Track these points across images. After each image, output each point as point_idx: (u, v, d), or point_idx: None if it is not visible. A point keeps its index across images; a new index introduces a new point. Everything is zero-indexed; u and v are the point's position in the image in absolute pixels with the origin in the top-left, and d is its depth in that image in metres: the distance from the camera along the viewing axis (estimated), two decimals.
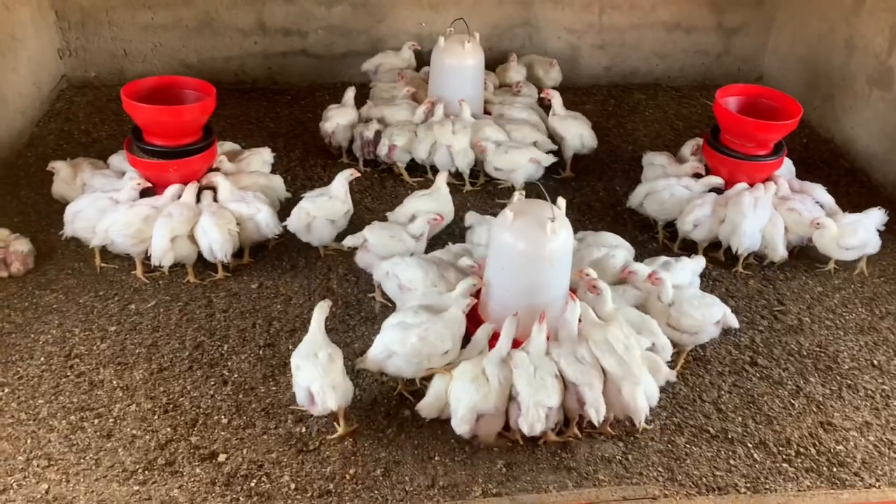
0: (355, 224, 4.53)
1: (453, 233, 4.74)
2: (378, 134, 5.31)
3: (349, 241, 4.25)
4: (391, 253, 4.07)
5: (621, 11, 6.74)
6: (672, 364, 3.73)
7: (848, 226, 4.48)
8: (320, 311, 3.42)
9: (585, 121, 5.57)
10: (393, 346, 3.35)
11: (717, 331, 3.81)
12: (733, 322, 3.83)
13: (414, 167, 5.37)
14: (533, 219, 3.47)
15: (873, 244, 4.54)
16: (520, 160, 5.02)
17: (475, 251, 4.14)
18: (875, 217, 4.58)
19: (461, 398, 3.22)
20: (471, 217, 4.41)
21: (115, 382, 3.65)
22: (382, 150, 5.24)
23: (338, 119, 5.40)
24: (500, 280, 3.61)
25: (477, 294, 3.73)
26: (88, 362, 3.76)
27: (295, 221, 4.37)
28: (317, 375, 3.24)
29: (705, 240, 4.63)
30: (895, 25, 5.46)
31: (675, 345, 3.79)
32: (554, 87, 6.23)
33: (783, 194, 4.67)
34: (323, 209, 4.35)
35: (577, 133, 5.45)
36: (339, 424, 3.40)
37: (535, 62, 6.41)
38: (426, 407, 3.36)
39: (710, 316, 3.73)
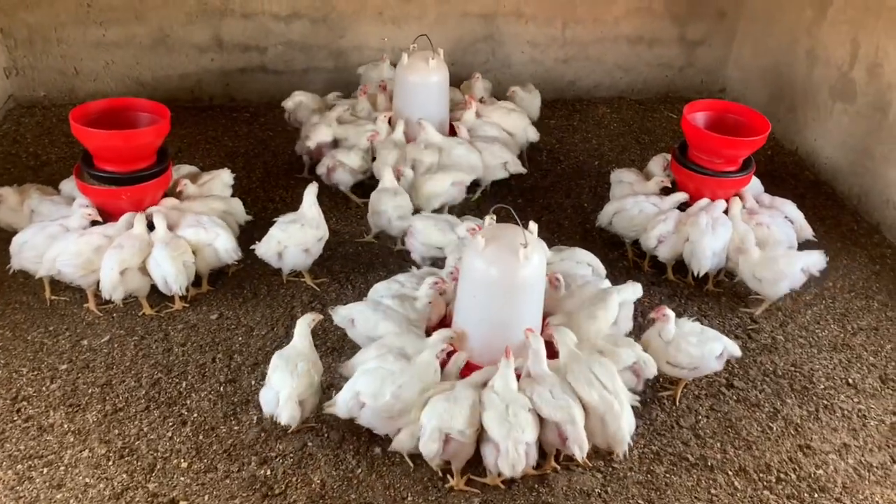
0: (326, 247, 4.38)
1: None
2: (319, 147, 5.24)
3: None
4: (433, 243, 4.24)
5: (584, 25, 6.70)
6: (649, 390, 3.67)
7: (768, 259, 4.23)
8: (304, 323, 3.38)
9: (523, 112, 5.67)
10: (364, 397, 3.14)
11: (721, 364, 3.66)
12: (735, 351, 3.68)
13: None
14: (505, 244, 3.36)
15: (789, 283, 4.25)
16: (442, 185, 4.84)
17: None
18: (808, 260, 4.27)
19: (431, 415, 3.07)
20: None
21: (66, 426, 3.44)
22: (321, 171, 5.11)
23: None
24: (472, 307, 3.49)
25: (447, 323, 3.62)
26: (37, 405, 3.54)
27: (265, 250, 4.18)
28: (287, 384, 3.18)
29: (671, 258, 4.55)
30: (856, 38, 5.49)
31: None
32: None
33: (750, 207, 4.63)
34: (294, 238, 4.15)
35: (522, 126, 5.55)
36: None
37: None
38: (399, 442, 3.20)
39: (711, 351, 3.57)
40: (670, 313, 3.59)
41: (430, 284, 3.66)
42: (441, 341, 3.32)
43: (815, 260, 4.28)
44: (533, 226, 3.53)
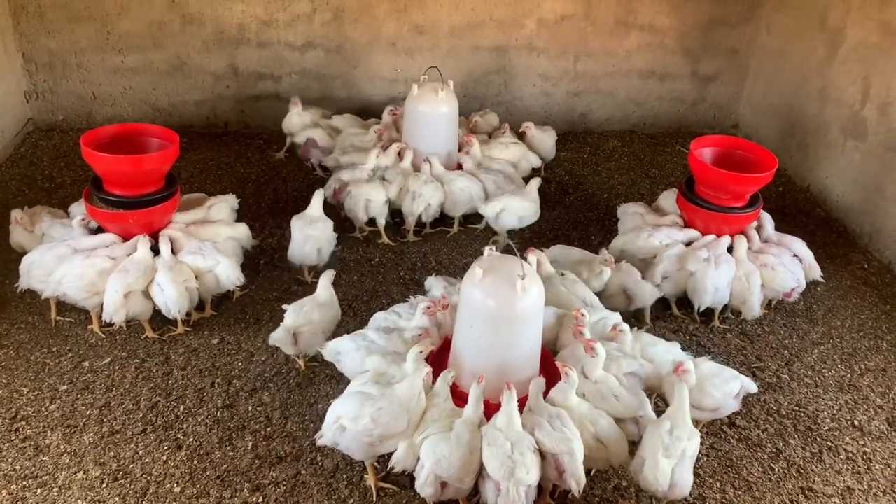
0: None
1: None
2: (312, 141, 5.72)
3: None
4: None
5: (596, 59, 6.74)
6: None
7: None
8: (326, 277, 3.91)
9: (520, 143, 5.82)
10: (345, 421, 3.12)
11: (738, 404, 3.59)
12: (751, 387, 3.61)
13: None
14: (503, 276, 3.34)
15: (727, 410, 3.62)
16: None
17: None
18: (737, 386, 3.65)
19: (428, 457, 3.04)
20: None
21: (62, 447, 3.45)
22: (328, 192, 5.12)
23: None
24: (470, 339, 3.47)
25: (442, 356, 3.60)
26: (35, 425, 3.56)
27: (279, 338, 3.82)
28: (289, 318, 3.75)
29: (674, 294, 4.52)
30: (868, 77, 5.48)
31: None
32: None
33: (757, 248, 4.59)
34: (314, 236, 4.35)
35: (521, 155, 5.74)
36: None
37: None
38: (401, 459, 3.14)
39: (730, 391, 3.51)
40: (690, 366, 3.40)
41: (422, 310, 3.66)
42: (420, 366, 3.27)
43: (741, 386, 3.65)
44: (532, 258, 3.53)
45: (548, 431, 3.08)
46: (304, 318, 3.78)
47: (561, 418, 3.14)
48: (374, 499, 3.28)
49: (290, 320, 3.77)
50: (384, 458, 3.24)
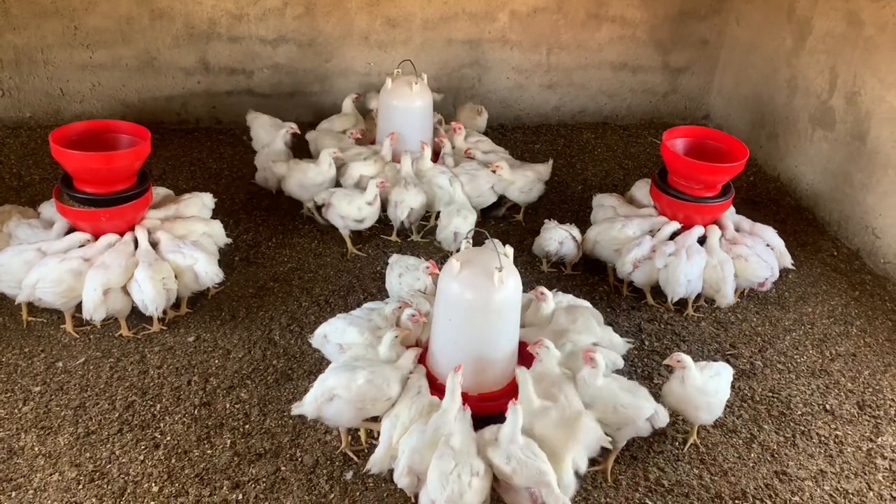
0: (306, 270, 4.35)
1: None
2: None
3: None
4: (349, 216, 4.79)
5: (569, 51, 6.77)
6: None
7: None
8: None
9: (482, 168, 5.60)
10: (338, 390, 3.21)
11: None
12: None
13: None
14: (480, 268, 3.36)
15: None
16: None
17: None
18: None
19: (404, 449, 3.06)
20: None
21: (36, 449, 3.40)
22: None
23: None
24: (447, 331, 3.48)
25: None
26: (8, 427, 3.50)
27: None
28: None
29: (646, 283, 4.57)
30: (835, 67, 5.56)
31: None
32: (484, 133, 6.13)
33: (731, 237, 4.65)
34: None
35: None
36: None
37: (465, 108, 6.24)
38: (378, 461, 3.17)
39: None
40: (686, 359, 3.45)
41: (408, 316, 3.68)
42: (391, 347, 3.49)
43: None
44: (509, 250, 3.54)
45: (519, 460, 2.96)
46: None
47: (531, 448, 3.02)
48: (356, 459, 3.42)
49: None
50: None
